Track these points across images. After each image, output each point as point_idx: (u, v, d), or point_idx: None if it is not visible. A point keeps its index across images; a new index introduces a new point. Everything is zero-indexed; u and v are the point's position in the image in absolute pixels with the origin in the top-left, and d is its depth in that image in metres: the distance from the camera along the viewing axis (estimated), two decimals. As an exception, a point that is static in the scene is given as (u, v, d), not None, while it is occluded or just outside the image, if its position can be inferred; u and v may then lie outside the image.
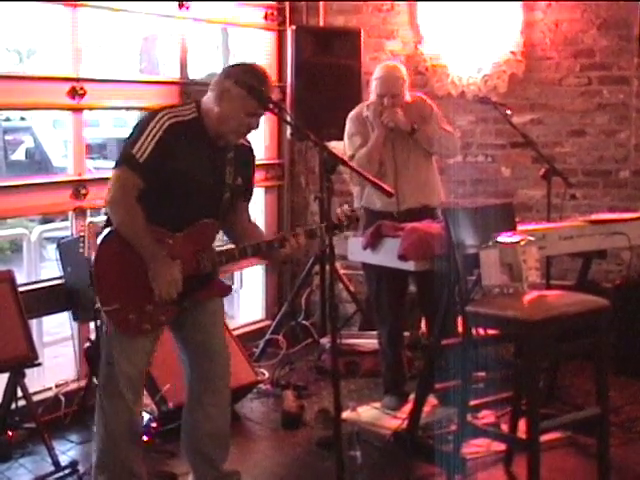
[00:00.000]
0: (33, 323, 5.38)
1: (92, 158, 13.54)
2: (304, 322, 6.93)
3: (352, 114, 5.42)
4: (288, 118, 5.27)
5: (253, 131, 3.81)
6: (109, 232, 3.66)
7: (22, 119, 14.52)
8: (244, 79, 3.64)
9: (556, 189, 5.50)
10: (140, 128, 3.63)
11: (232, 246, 3.91)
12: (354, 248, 4.97)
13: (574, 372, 5.61)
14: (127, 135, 3.69)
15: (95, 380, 4.76)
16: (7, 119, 13.81)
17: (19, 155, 14.52)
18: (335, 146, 5.54)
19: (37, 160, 13.97)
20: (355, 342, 6.24)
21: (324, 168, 3.66)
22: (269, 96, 3.65)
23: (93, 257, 3.66)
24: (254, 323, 7.17)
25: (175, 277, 3.66)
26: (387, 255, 4.66)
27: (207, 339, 3.93)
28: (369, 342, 6.17)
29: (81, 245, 4.65)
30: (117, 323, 3.69)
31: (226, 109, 3.68)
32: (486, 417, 4.91)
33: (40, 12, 6.93)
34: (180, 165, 3.64)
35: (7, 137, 14.26)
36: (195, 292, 3.80)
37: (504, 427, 4.69)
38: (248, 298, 7.53)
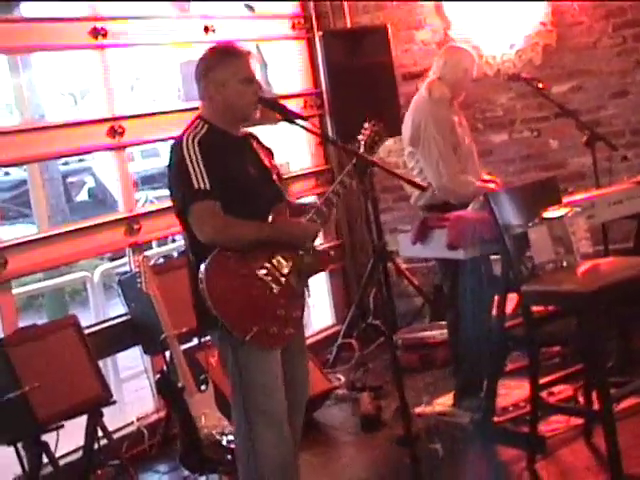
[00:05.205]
0: (108, 361, 5.49)
1: (154, 188, 13.70)
2: (374, 322, 6.83)
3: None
4: (311, 127, 5.25)
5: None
6: (205, 268, 3.51)
7: (80, 160, 14.70)
8: (218, 60, 3.66)
9: (605, 153, 5.44)
10: (181, 165, 3.56)
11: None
12: (404, 244, 4.97)
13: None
14: (171, 175, 3.64)
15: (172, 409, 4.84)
16: (66, 163, 14.00)
17: (83, 196, 14.76)
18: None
19: (100, 199, 14.18)
20: (427, 335, 6.25)
21: (356, 172, 3.71)
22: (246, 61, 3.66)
23: (209, 300, 3.48)
24: (325, 330, 7.19)
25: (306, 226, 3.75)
26: (437, 246, 4.66)
27: (293, 370, 3.84)
28: (440, 333, 6.18)
29: (138, 280, 4.71)
30: (264, 343, 3.58)
31: (227, 93, 3.65)
32: (563, 392, 4.88)
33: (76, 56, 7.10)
34: (230, 168, 3.62)
35: (69, 180, 14.44)
36: (308, 272, 3.84)
37: (582, 400, 4.66)
38: (316, 305, 7.57)
